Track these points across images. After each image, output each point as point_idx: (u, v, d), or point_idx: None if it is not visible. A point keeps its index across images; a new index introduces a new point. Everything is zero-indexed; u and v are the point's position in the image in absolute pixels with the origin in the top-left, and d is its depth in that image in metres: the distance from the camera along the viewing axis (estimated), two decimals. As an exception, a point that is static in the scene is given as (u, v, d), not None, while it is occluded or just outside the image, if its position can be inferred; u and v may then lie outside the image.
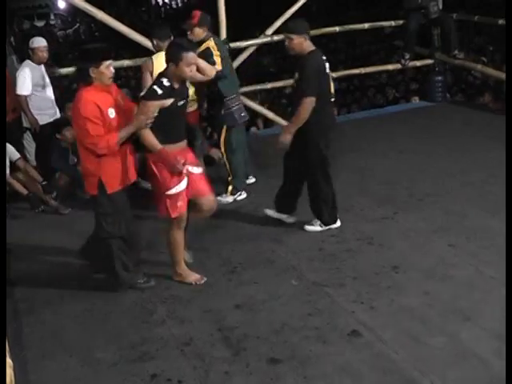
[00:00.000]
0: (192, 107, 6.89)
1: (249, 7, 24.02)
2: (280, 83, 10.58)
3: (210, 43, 6.88)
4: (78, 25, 34.69)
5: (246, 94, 9.79)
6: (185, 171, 5.19)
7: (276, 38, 9.51)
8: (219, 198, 7.08)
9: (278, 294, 5.18)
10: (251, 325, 4.81)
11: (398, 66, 10.70)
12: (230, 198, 7.22)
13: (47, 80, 7.80)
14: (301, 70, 5.95)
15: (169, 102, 5.07)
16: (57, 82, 11.33)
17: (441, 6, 10.21)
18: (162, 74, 5.16)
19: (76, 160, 7.75)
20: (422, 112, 10.22)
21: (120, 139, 5.07)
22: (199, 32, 6.91)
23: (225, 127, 7.13)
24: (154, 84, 5.14)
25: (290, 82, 10.83)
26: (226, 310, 5.05)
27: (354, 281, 5.27)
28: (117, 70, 12.11)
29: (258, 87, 10.29)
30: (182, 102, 5.22)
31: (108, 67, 5.13)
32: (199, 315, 5.02)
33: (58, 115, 7.91)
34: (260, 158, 8.19)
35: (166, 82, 5.08)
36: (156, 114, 5.05)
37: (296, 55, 6.05)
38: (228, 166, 7.25)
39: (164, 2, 40.32)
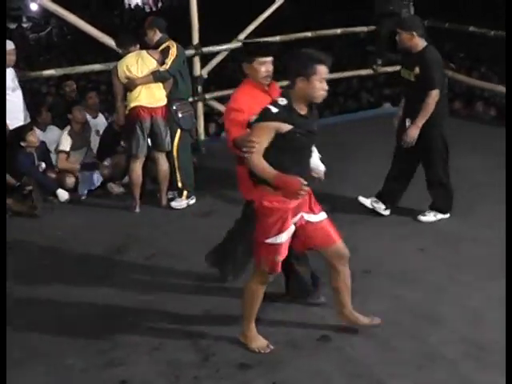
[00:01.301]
0: (161, 103, 7.02)
1: (224, 11, 23.99)
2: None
3: (170, 44, 7.09)
4: (50, 28, 34.41)
5: (218, 99, 9.80)
6: (296, 219, 4.40)
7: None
8: (173, 203, 7.14)
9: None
10: (221, 330, 4.79)
11: (370, 71, 10.74)
12: (184, 203, 7.22)
13: (16, 83, 7.73)
14: (422, 63, 6.11)
15: (286, 127, 4.14)
16: (28, 85, 11.30)
17: (412, 13, 10.26)
18: (281, 94, 4.29)
19: (44, 166, 7.69)
20: (391, 118, 10.24)
21: (236, 142, 4.57)
22: (150, 34, 7.15)
23: (179, 131, 7.18)
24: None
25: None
26: (196, 316, 5.04)
27: (324, 285, 5.27)
28: (88, 73, 12.12)
29: (231, 92, 10.26)
30: (305, 136, 4.25)
31: (262, 64, 4.69)
32: (169, 320, 4.99)
33: (29, 120, 7.84)
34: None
35: (281, 100, 4.21)
36: (268, 143, 4.18)
37: (408, 50, 6.25)
38: (180, 170, 7.23)
39: (137, 6, 40.19)
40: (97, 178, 7.79)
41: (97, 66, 9.08)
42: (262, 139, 4.16)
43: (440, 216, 6.46)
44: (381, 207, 6.60)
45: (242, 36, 9.48)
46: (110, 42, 8.28)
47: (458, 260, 5.66)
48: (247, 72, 4.77)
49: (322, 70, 4.15)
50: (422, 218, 6.45)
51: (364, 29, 10.94)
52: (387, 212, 6.61)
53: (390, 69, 10.85)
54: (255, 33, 9.59)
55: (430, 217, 6.45)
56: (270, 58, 4.74)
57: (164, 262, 5.89)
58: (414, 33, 6.15)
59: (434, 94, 6.07)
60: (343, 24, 11.00)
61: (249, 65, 4.73)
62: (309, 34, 10.21)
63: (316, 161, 4.69)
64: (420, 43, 6.19)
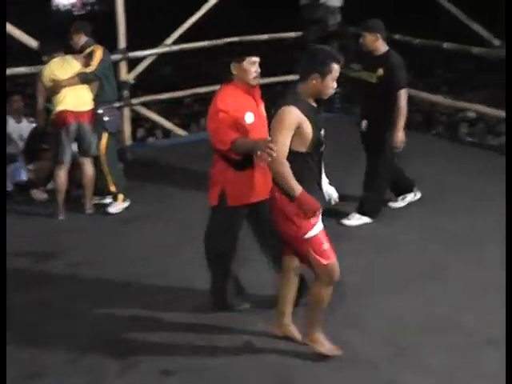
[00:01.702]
0: (87, 106, 6.95)
1: (152, 16, 23.84)
2: (180, 93, 10.53)
3: (96, 48, 7.04)
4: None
5: (145, 104, 9.74)
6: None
7: (175, 47, 9.47)
8: (110, 208, 7.12)
9: (172, 307, 5.13)
10: (146, 336, 4.76)
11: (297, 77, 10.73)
12: (120, 207, 7.14)
13: None
14: (387, 65, 6.25)
15: (306, 122, 4.12)
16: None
17: (339, 19, 10.37)
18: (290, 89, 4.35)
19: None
20: (321, 123, 10.32)
21: (237, 144, 4.41)
22: (75, 38, 7.09)
23: (106, 134, 7.11)
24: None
25: (191, 91, 10.82)
26: (121, 323, 4.98)
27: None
28: (14, 76, 11.88)
29: (157, 97, 10.22)
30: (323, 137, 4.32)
31: (252, 64, 4.59)
32: (92, 329, 4.92)
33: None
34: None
35: (291, 93, 4.25)
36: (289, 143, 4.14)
37: (371, 52, 6.41)
38: (111, 174, 7.15)
39: (65, 8, 39.65)
40: (21, 171, 7.68)
41: (22, 69, 8.89)
42: (284, 139, 4.10)
43: (365, 220, 6.54)
44: (410, 196, 6.90)
45: (169, 41, 9.43)
46: (35, 44, 8.11)
47: (380, 263, 5.76)
48: (235, 72, 4.64)
49: (337, 69, 4.19)
50: (346, 222, 6.52)
51: (291, 35, 10.96)
52: (418, 195, 6.93)
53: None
54: (182, 38, 9.56)
55: (354, 220, 6.52)
56: (258, 58, 4.67)
57: (88, 269, 5.81)
58: (378, 35, 6.34)
59: (404, 94, 6.26)
60: (272, 29, 10.98)
61: (238, 65, 4.61)
62: (236, 38, 10.16)
63: (328, 186, 4.65)
64: (383, 46, 6.38)
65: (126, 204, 7.17)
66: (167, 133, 10.99)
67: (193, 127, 11.92)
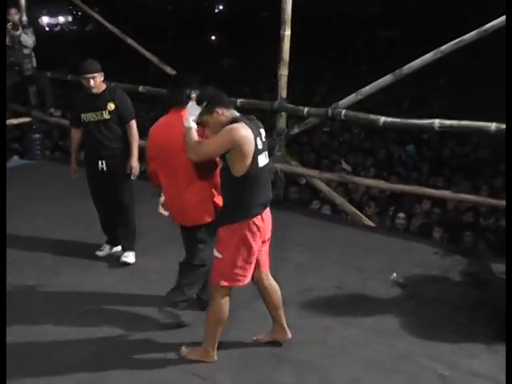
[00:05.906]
0: None
1: None
2: None
3: None
4: None
5: None
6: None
7: None
8: None
9: None
10: None
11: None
12: None
13: None
14: (116, 98, 6.29)
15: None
16: None
17: (35, 64, 10.15)
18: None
19: None
20: (23, 170, 10.00)
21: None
22: None
23: None
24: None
25: None
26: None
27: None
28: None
29: None
30: None
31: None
32: None
33: None
34: None
35: None
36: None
37: (94, 92, 6.28)
38: None
39: None
40: None
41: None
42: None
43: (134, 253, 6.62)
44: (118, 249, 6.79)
45: None
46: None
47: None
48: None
49: None
50: (127, 260, 6.56)
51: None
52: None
53: (15, 121, 10.63)
54: None
55: (131, 257, 6.59)
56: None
57: None
58: (102, 74, 6.30)
59: (135, 124, 6.37)
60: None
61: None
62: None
63: None
64: (103, 83, 6.34)
65: None
66: None
67: None
